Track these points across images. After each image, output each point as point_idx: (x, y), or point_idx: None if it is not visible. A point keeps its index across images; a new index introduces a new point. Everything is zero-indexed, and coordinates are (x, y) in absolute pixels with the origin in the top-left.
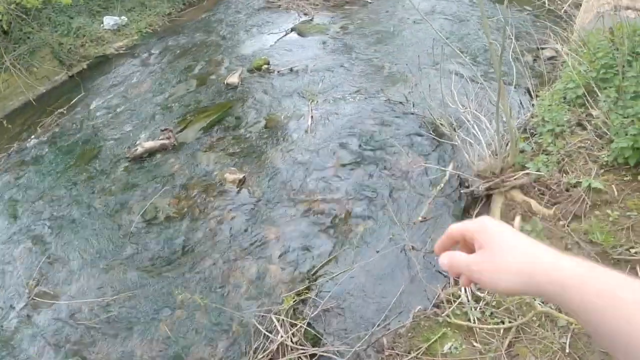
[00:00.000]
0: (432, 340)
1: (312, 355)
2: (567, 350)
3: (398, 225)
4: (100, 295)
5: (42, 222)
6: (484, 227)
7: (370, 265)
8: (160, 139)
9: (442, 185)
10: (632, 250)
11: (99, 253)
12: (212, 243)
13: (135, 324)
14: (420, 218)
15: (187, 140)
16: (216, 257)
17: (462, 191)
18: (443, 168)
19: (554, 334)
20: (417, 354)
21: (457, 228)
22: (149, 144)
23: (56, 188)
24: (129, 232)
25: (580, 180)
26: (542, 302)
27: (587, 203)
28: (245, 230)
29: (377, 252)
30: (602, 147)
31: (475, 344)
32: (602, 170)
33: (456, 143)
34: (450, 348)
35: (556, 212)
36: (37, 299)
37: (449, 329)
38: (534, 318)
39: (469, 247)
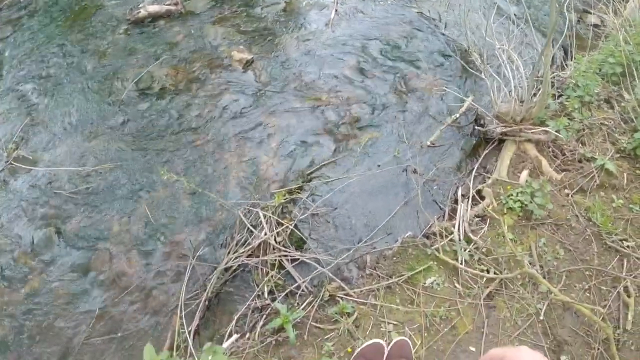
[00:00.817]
0: (416, 270)
1: (294, 260)
2: (541, 317)
3: (405, 145)
4: (81, 164)
5: (27, 83)
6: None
7: (368, 179)
8: (166, 4)
9: (457, 115)
10: (625, 243)
11: (85, 119)
12: (206, 122)
13: (115, 198)
14: (428, 142)
15: (195, 9)
16: (208, 138)
17: (476, 127)
18: (464, 97)
19: (533, 297)
20: (399, 280)
21: (497, 352)
22: (153, 8)
23: (46, 47)
24: (120, 99)
25: (595, 157)
26: (531, 264)
27: (595, 181)
28: (244, 115)
29: (379, 166)
30: (624, 132)
31: (457, 284)
32: (617, 155)
33: (483, 77)
34: (432, 283)
35: (564, 179)
36: (15, 164)
37: (435, 263)
38: (519, 276)
39: None
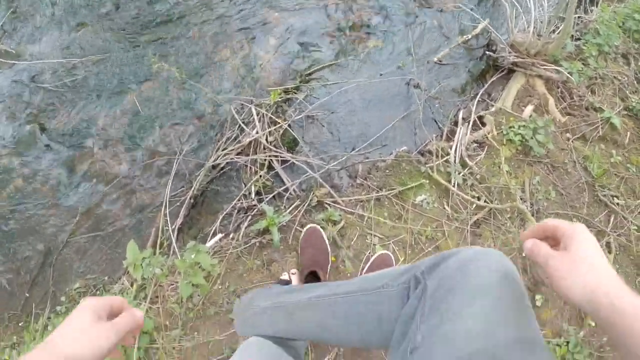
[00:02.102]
0: (408, 186)
1: (284, 161)
2: (523, 254)
3: (411, 58)
4: (66, 56)
5: None
6: (578, 233)
7: (369, 87)
8: None
9: (470, 36)
10: (615, 200)
11: (71, 8)
12: (203, 12)
13: (102, 91)
14: (436, 59)
15: None
16: (205, 29)
17: (487, 52)
18: (479, 18)
19: (519, 233)
20: (389, 193)
21: (553, 222)
22: None
23: None
24: None
25: (602, 108)
26: (522, 200)
27: (598, 132)
28: (244, 9)
29: (381, 75)
30: (636, 91)
31: (446, 207)
32: (624, 112)
33: (504, 2)
34: (422, 201)
35: (567, 123)
36: None
37: (427, 181)
38: (508, 209)
39: (554, 243)
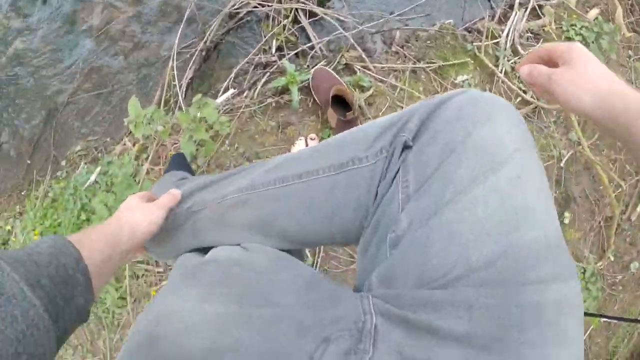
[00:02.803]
0: (450, 62)
1: (312, 14)
2: (561, 164)
3: None
4: None
5: None
6: (574, 48)
7: None
8: None
9: None
10: None
11: None
12: None
13: None
14: None
15: None
16: None
17: None
18: None
19: (561, 140)
20: (427, 66)
21: (546, 46)
22: None
23: None
24: None
25: None
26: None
27: None
28: None
29: None
30: None
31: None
32: None
33: None
34: (464, 81)
35: (632, 40)
36: None
37: (472, 61)
38: (555, 112)
39: (552, 66)
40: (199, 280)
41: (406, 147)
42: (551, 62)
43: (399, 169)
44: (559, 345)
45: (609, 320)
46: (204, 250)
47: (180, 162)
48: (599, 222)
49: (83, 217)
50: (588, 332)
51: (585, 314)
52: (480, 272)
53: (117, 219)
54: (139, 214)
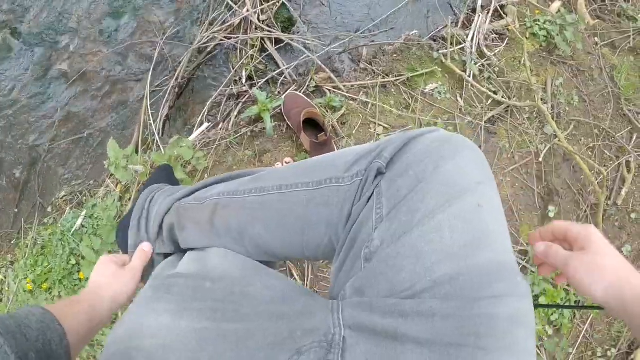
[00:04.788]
0: (418, 72)
1: (278, 41)
2: (540, 159)
3: None
4: None
5: None
6: (592, 234)
7: None
8: None
9: None
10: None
11: None
12: None
13: None
14: None
15: None
16: None
17: None
18: None
19: (537, 135)
20: (396, 79)
21: (562, 225)
22: None
23: None
24: None
25: (637, 18)
26: (542, 100)
27: (629, 42)
28: None
29: None
30: None
31: (459, 99)
32: None
33: None
34: (433, 90)
35: (596, 27)
36: None
37: (440, 69)
38: (528, 109)
39: (566, 244)
40: (172, 295)
41: (380, 173)
42: (565, 242)
43: (372, 193)
44: (510, 353)
45: (565, 309)
46: (182, 254)
47: (163, 176)
48: (585, 211)
49: (72, 261)
50: (589, 322)
51: (537, 305)
52: (444, 286)
53: (96, 290)
54: (117, 285)
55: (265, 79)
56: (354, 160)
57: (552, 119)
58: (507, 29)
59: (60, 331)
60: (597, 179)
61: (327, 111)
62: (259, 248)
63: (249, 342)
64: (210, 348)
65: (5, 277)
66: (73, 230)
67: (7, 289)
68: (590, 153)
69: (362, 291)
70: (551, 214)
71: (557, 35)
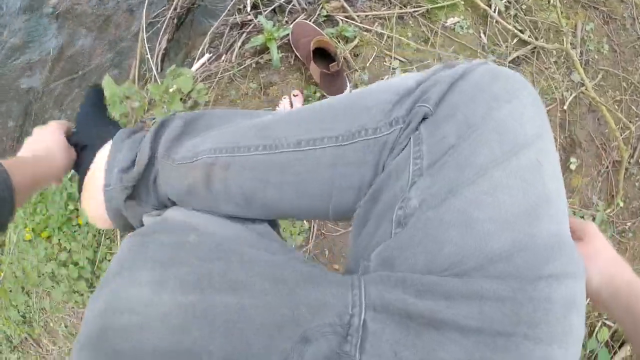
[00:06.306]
0: (439, 4)
1: None
2: (564, 106)
3: None
4: None
5: None
6: (590, 228)
7: None
8: None
9: None
10: None
11: None
12: None
13: None
14: None
15: None
16: None
17: None
18: None
19: (563, 82)
20: (414, 11)
21: None
22: None
23: None
24: None
25: None
26: (571, 45)
27: None
28: None
29: None
30: None
31: (482, 35)
32: None
33: None
34: (455, 24)
35: None
36: None
37: (462, 2)
38: (555, 52)
39: None
40: (151, 256)
41: (424, 118)
42: None
43: (409, 140)
44: (563, 343)
45: None
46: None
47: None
48: (607, 167)
49: (71, 206)
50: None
51: None
52: (499, 263)
53: (47, 148)
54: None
55: (272, 7)
56: (394, 102)
57: (580, 65)
58: None
59: (4, 173)
60: (622, 135)
61: (338, 41)
62: (270, 211)
63: (242, 323)
64: (194, 331)
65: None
66: (70, 174)
67: (7, 240)
68: (616, 107)
69: (392, 263)
70: (572, 167)
71: None
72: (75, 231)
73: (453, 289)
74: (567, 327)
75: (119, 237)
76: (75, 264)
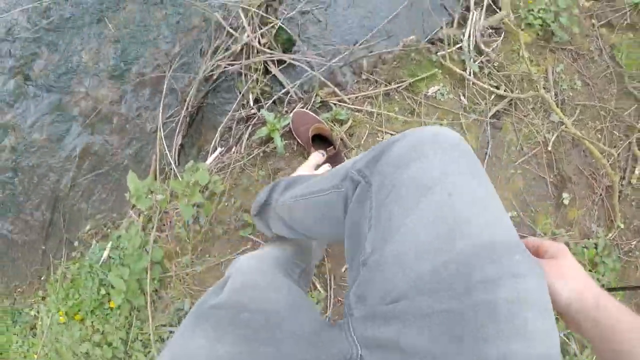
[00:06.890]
0: (419, 77)
1: (280, 62)
2: (548, 147)
3: None
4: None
5: None
6: (563, 249)
7: None
8: None
9: None
10: None
11: None
12: None
13: (80, 26)
14: None
15: None
16: None
17: None
18: None
19: (543, 125)
20: (398, 86)
21: (535, 240)
22: None
23: None
24: None
25: None
26: (545, 89)
27: (626, 19)
28: None
29: None
30: None
31: (462, 98)
32: None
33: None
34: (436, 92)
35: (591, 8)
36: None
37: (440, 71)
38: (531, 99)
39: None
40: (211, 322)
41: (356, 182)
42: (536, 255)
43: (361, 203)
44: (517, 338)
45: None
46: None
47: None
48: (600, 195)
49: (103, 291)
50: None
51: (608, 289)
52: (427, 281)
53: None
54: None
55: (272, 99)
56: (344, 172)
57: (557, 106)
58: (503, 23)
59: None
60: (608, 161)
61: (334, 124)
62: (303, 231)
63: None
64: None
65: (38, 312)
66: (100, 262)
67: (40, 322)
68: (599, 136)
69: (364, 298)
70: (566, 201)
71: (553, 22)
72: (107, 314)
73: (402, 311)
74: (520, 323)
75: (150, 318)
76: (109, 344)
